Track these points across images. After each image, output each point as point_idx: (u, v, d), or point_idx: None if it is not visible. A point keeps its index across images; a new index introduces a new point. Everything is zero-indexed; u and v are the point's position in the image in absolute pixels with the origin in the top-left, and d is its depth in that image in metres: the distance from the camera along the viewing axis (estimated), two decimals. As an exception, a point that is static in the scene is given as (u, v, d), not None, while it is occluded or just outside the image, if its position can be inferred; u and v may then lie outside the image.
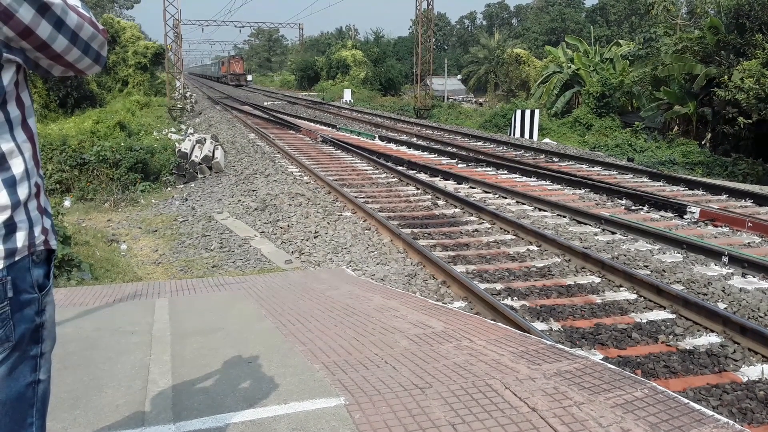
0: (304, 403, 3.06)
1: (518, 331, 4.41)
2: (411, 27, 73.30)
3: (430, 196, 11.06)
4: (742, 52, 20.83)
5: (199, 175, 14.69)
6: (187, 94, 35.15)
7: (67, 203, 12.23)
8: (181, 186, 14.11)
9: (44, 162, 13.29)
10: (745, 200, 10.50)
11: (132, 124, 19.63)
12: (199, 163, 14.85)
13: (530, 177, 12.95)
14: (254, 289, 5.92)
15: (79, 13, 1.54)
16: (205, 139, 17.85)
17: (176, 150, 15.46)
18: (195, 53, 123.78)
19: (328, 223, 9.31)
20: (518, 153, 17.46)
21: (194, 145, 16.48)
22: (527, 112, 24.67)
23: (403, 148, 18.16)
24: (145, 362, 3.74)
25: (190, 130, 22.68)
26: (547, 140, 23.46)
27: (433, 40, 38.29)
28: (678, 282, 6.37)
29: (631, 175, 13.43)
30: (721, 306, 5.64)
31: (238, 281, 6.39)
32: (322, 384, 3.30)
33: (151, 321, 4.68)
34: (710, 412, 2.97)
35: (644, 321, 5.38)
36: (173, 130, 22.45)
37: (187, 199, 12.31)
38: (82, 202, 12.63)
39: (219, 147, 17.18)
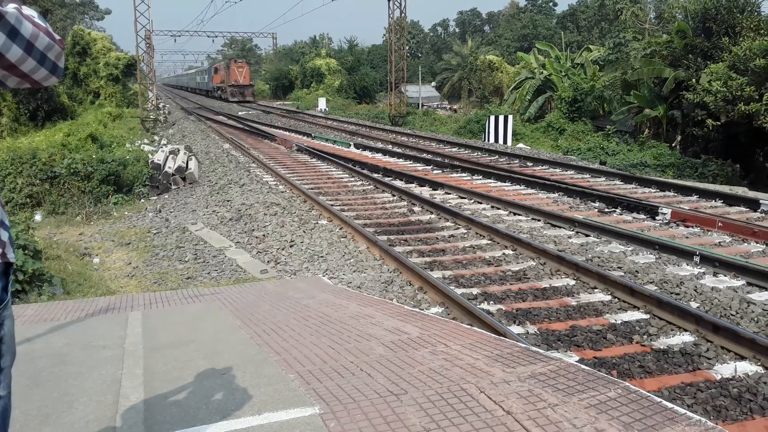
0: (279, 413, 3.03)
1: (493, 335, 4.42)
2: (384, 35, 73.40)
3: (406, 203, 11.07)
4: (709, 56, 21.23)
5: (173, 187, 14.55)
6: (160, 105, 34.84)
7: (38, 217, 12.05)
8: (155, 198, 13.96)
9: (14, 176, 13.08)
10: (715, 201, 10.67)
11: (104, 136, 19.42)
12: (173, 174, 14.71)
13: (505, 182, 13.03)
14: (229, 300, 5.86)
15: (35, 23, 1.52)
16: (178, 150, 17.70)
17: (149, 161, 15.30)
18: (168, 64, 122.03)
19: (304, 231, 9.27)
20: (493, 158, 17.57)
21: (167, 156, 16.33)
22: (501, 118, 24.86)
23: (379, 156, 18.18)
24: (117, 376, 3.68)
25: (164, 141, 22.48)
26: (520, 145, 23.64)
27: (407, 47, 38.50)
28: (651, 282, 6.44)
29: (603, 178, 13.58)
30: (694, 305, 5.71)
31: (212, 292, 6.33)
32: (297, 393, 3.28)
33: (124, 335, 4.61)
34: (683, 410, 3.00)
35: (619, 322, 5.43)
36: (146, 141, 22.24)
37: (160, 211, 12.18)
38: (53, 216, 12.43)
39: (193, 157, 17.05)
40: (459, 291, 6.15)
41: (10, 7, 1.46)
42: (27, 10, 1.53)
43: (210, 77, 61.32)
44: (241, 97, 52.22)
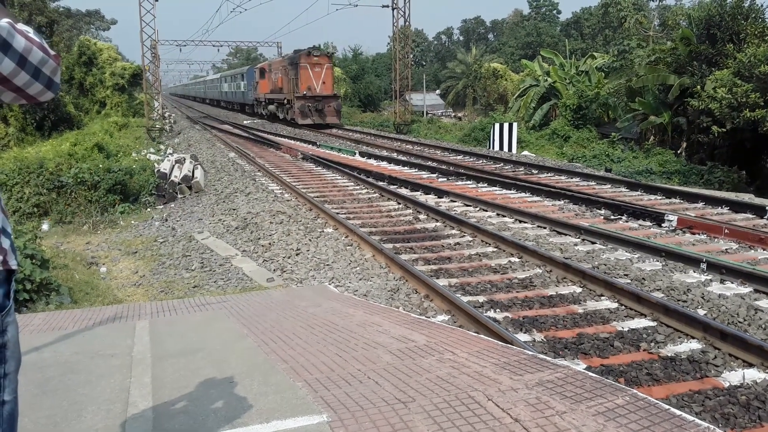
0: (287, 421, 3.04)
1: (500, 343, 4.42)
2: (389, 43, 73.40)
3: (411, 211, 11.08)
4: (714, 62, 21.23)
5: (179, 195, 14.60)
6: (166, 114, 35.01)
7: (45, 227, 12.09)
8: (161, 207, 14.01)
9: (21, 185, 13.16)
10: (722, 207, 10.64)
11: (110, 145, 19.52)
12: (179, 183, 14.77)
13: (510, 189, 13.03)
14: (236, 309, 5.88)
15: (28, 38, 1.53)
16: (184, 159, 17.77)
17: (155, 170, 15.38)
18: (173, 73, 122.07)
19: (310, 240, 9.29)
20: (498, 166, 17.57)
21: (173, 165, 16.40)
22: (506, 126, 24.90)
23: (384, 164, 18.21)
24: (125, 385, 3.70)
25: (170, 150, 22.57)
26: (525, 153, 23.66)
27: (411, 56, 38.60)
28: (658, 290, 6.43)
29: (609, 186, 13.56)
30: (701, 312, 5.69)
31: (219, 301, 6.34)
32: (305, 401, 3.28)
33: (131, 343, 4.63)
34: (691, 417, 3.00)
35: (626, 329, 5.41)
36: (152, 150, 22.33)
37: (167, 220, 12.22)
38: (60, 225, 12.49)
39: (199, 166, 17.11)
40: (465, 299, 6.15)
41: (3, 22, 1.48)
42: (21, 26, 1.55)
43: (251, 84, 41.43)
44: (318, 118, 31.09)
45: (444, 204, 11.65)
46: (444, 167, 16.58)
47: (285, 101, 33.39)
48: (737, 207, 10.52)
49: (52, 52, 1.61)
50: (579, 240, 8.65)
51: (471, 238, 8.95)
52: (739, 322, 5.53)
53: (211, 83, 62.54)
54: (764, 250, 7.90)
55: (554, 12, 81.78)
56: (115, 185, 13.77)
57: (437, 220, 10.17)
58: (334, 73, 34.85)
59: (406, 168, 17.13)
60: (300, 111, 30.89)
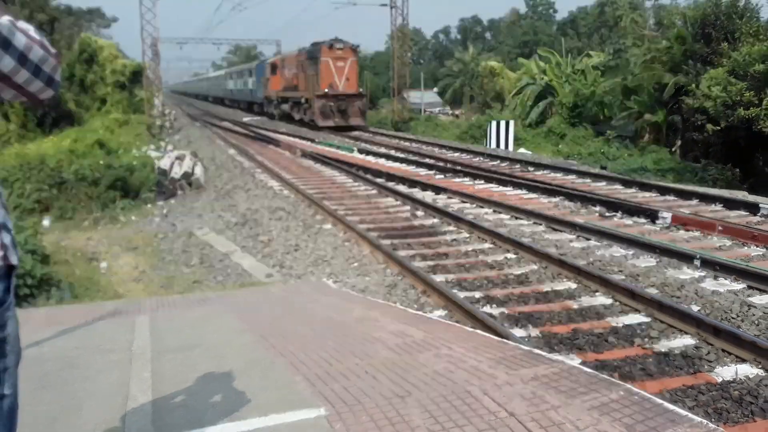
0: (285, 415, 3.08)
1: (496, 338, 4.47)
2: (387, 42, 73.18)
3: (409, 207, 11.12)
4: (708, 61, 21.26)
5: (179, 192, 14.62)
6: (166, 112, 34.95)
7: (46, 222, 12.11)
8: (161, 203, 14.02)
9: (22, 181, 13.17)
10: (715, 205, 10.68)
11: (111, 142, 19.51)
12: (179, 180, 14.78)
13: (506, 186, 13.07)
14: (235, 304, 5.92)
15: (29, 36, 1.56)
16: (184, 156, 17.76)
17: (156, 167, 15.38)
18: (174, 71, 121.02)
19: (309, 236, 9.33)
20: (494, 163, 17.61)
21: (174, 162, 16.39)
22: (502, 123, 24.90)
23: (382, 161, 18.24)
24: (125, 380, 3.73)
25: (170, 147, 22.55)
26: (522, 150, 23.70)
27: (409, 54, 38.58)
28: (652, 286, 6.48)
29: (604, 183, 13.60)
30: (695, 308, 5.74)
31: (219, 296, 6.38)
32: (303, 396, 3.33)
33: (131, 338, 4.66)
34: (684, 412, 3.05)
35: (620, 325, 5.46)
36: (152, 147, 22.31)
37: (167, 216, 12.25)
38: (61, 221, 12.50)
39: (199, 163, 17.12)
40: (462, 294, 6.20)
41: (4, 20, 1.51)
42: (22, 24, 1.57)
43: (260, 80, 38.03)
44: (341, 119, 27.69)
45: (441, 201, 11.69)
46: (441, 164, 16.63)
47: (302, 100, 29.80)
48: (731, 204, 10.56)
49: (53, 50, 1.63)
50: (574, 237, 8.70)
51: (468, 235, 9.00)
52: (732, 318, 5.58)
53: (215, 80, 58.73)
54: (757, 246, 7.96)
55: (551, 11, 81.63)
56: (116, 181, 13.79)
57: (434, 217, 10.21)
58: (359, 69, 30.81)
59: (403, 165, 17.16)
60: (321, 111, 27.44)
